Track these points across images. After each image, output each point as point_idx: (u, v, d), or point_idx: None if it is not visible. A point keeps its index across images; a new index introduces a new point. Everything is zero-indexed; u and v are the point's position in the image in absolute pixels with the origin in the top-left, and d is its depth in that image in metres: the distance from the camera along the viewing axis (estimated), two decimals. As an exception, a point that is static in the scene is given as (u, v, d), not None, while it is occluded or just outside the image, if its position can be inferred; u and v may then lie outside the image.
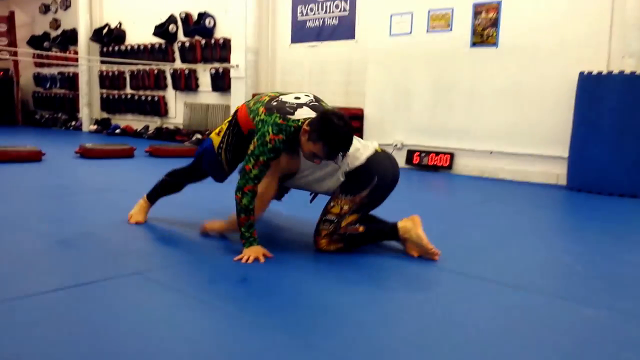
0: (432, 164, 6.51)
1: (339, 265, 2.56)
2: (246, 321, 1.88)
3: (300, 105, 2.67)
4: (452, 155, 6.41)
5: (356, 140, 2.77)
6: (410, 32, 6.71)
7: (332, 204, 2.74)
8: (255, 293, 2.15)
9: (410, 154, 6.72)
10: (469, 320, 1.95)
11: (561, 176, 5.66)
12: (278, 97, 2.78)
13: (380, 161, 2.81)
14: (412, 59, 6.69)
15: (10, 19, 13.03)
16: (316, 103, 2.74)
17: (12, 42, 12.78)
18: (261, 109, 2.69)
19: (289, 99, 2.74)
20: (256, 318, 1.89)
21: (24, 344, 1.63)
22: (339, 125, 2.47)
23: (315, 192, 2.97)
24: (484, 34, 6.17)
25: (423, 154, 6.60)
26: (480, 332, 1.85)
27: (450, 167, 6.40)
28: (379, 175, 2.75)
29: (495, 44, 6.09)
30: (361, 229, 2.74)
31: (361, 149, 2.79)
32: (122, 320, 1.84)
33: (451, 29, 6.40)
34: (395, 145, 6.83)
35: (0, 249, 2.64)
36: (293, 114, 2.61)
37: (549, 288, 2.34)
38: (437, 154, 6.49)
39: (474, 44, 6.24)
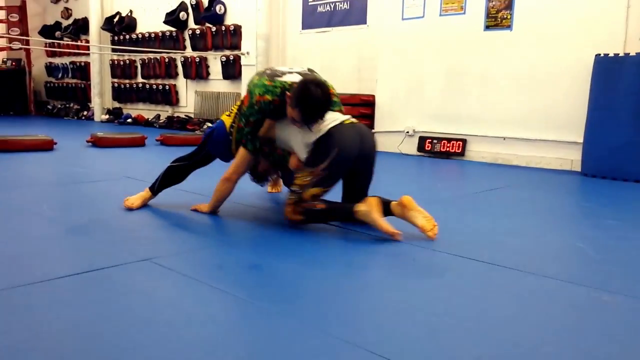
0: (444, 151, 6.44)
1: (349, 250, 2.53)
2: (256, 307, 1.86)
3: (291, 72, 2.82)
4: (464, 141, 6.33)
5: (331, 113, 2.77)
6: (423, 16, 6.62)
7: (297, 174, 2.77)
8: (264, 280, 2.13)
9: (422, 140, 6.65)
10: (481, 305, 1.92)
11: (575, 162, 5.57)
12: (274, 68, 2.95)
13: (344, 132, 2.74)
14: (425, 44, 6.60)
15: (22, 9, 13.07)
16: (308, 73, 2.88)
17: (24, 32, 12.82)
18: (255, 77, 2.88)
19: (282, 68, 2.92)
20: (266, 304, 1.88)
21: (39, 329, 1.63)
22: (314, 92, 2.56)
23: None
24: (498, 16, 6.07)
25: (435, 141, 6.54)
26: (492, 317, 1.82)
27: (462, 153, 6.33)
28: (339, 146, 2.70)
29: (509, 27, 5.99)
30: (320, 205, 2.73)
31: (327, 121, 2.75)
32: (133, 305, 1.83)
33: (464, 12, 6.30)
34: (407, 132, 6.77)
35: (13, 235, 2.65)
36: (281, 77, 2.76)
37: (563, 273, 2.30)
38: (450, 140, 6.42)
39: (487, 27, 6.14)
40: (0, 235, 2.64)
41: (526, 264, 2.39)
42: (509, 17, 5.99)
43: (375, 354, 1.53)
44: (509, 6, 5.97)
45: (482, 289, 2.10)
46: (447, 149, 6.42)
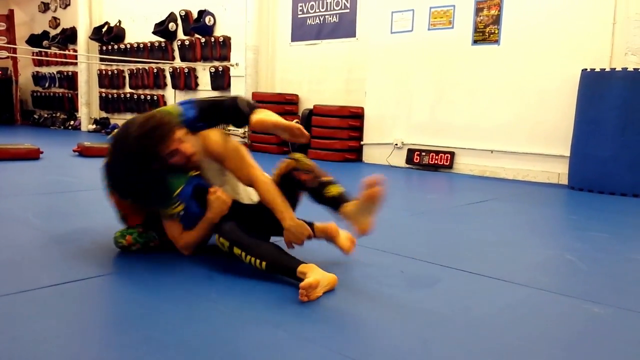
0: (432, 163, 6.47)
1: (340, 260, 2.52)
2: (247, 316, 1.83)
3: None
4: (452, 154, 6.37)
5: None
6: (412, 30, 6.67)
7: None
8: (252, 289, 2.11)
9: (411, 152, 6.67)
10: (472, 315, 1.90)
11: (562, 175, 5.62)
12: None
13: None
14: (413, 57, 6.65)
15: (9, 18, 13.00)
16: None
17: (12, 41, 12.74)
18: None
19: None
20: (265, 314, 1.85)
21: (20, 339, 1.59)
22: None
23: None
24: (486, 31, 6.13)
25: (423, 153, 6.56)
26: (483, 327, 1.81)
27: (450, 166, 6.36)
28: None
29: (497, 41, 6.05)
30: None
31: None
32: (111, 316, 1.80)
33: (453, 27, 6.36)
34: (396, 145, 6.79)
35: (-5, 244, 2.60)
36: None
37: (552, 285, 2.30)
38: (438, 153, 6.45)
39: (475, 42, 6.20)
40: (-17, 244, 2.59)
41: (515, 276, 2.39)
42: (496, 31, 6.05)
43: (366, 365, 1.51)
44: (497, 21, 6.04)
45: (472, 300, 2.09)
46: (436, 162, 6.44)
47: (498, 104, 6.05)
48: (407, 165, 6.68)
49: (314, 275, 2.05)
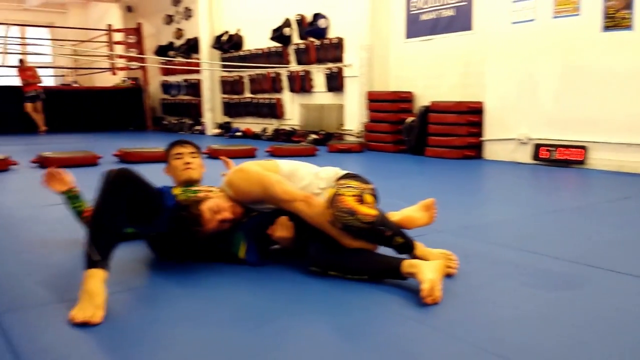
0: (562, 159, 6.10)
1: (470, 260, 2.45)
2: (390, 314, 1.84)
3: None
4: (585, 148, 5.96)
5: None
6: (534, 19, 6.34)
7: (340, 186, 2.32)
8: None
9: (538, 148, 6.34)
10: (626, 319, 1.78)
11: None
12: None
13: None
14: (537, 48, 6.31)
15: (138, 31, 14.02)
16: None
17: (141, 52, 13.75)
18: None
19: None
20: (413, 312, 1.85)
21: (159, 321, 1.71)
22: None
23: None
24: (617, 16, 5.69)
25: (552, 148, 6.21)
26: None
27: (583, 161, 5.96)
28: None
29: (629, 27, 5.60)
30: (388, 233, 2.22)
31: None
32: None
33: (579, 14, 5.97)
34: (520, 140, 6.49)
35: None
36: None
37: None
38: (568, 147, 6.07)
39: (606, 28, 5.77)
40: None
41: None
42: (628, 16, 5.60)
43: (519, 363, 1.46)
44: (629, 5, 5.58)
45: (627, 302, 1.95)
46: (566, 157, 6.06)
47: (634, 93, 5.58)
48: (534, 162, 6.36)
49: (425, 274, 1.97)
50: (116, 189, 2.01)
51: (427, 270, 1.99)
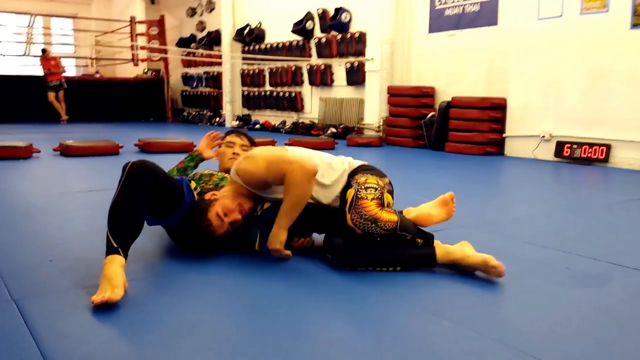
0: (585, 157, 5.99)
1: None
2: (405, 307, 1.82)
3: None
4: (608, 147, 5.85)
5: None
6: (561, 15, 6.23)
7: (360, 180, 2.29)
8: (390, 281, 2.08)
9: (560, 145, 6.24)
10: (638, 314, 1.74)
11: None
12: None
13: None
14: (563, 44, 6.20)
15: (160, 23, 14.06)
16: None
17: (163, 44, 13.80)
18: None
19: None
20: (413, 307, 1.82)
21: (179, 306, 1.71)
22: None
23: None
24: (647, 13, 5.56)
25: (575, 146, 6.10)
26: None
27: (606, 160, 5.85)
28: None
29: (660, 24, 5.48)
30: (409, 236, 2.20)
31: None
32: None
33: (608, 10, 5.85)
34: (543, 137, 6.39)
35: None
36: None
37: None
38: (591, 145, 5.96)
39: (634, 26, 5.65)
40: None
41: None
42: (659, 14, 5.48)
43: (543, 362, 1.43)
44: (659, 2, 5.46)
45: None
46: (589, 155, 5.96)
47: (663, 92, 5.46)
48: (556, 159, 6.26)
49: (474, 254, 2.11)
50: (136, 180, 2.02)
51: (470, 251, 2.13)
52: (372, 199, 2.13)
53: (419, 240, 2.18)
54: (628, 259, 2.38)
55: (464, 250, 2.15)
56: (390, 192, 2.30)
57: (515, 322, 1.72)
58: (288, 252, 2.21)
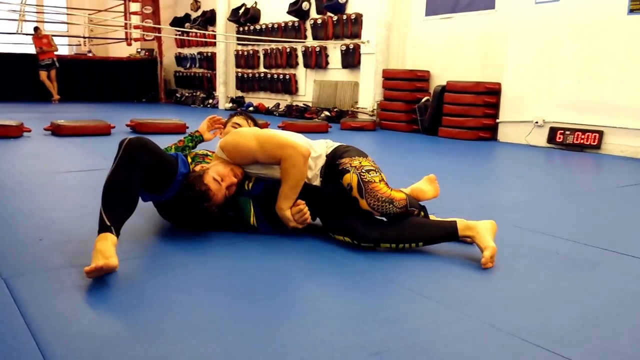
0: (578, 143, 6.01)
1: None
2: (397, 288, 1.82)
3: None
4: (601, 133, 5.87)
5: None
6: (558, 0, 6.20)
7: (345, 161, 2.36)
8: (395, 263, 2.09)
9: (553, 131, 6.25)
10: (632, 299, 1.76)
11: None
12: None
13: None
14: (560, 29, 6.18)
15: (155, 1, 13.85)
16: None
17: (157, 24, 13.61)
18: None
19: None
20: (409, 287, 1.83)
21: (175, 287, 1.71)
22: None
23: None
24: (644, -1, 5.55)
25: (568, 132, 6.11)
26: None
27: (598, 146, 5.87)
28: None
29: (658, 10, 5.46)
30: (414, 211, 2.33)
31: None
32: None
33: (605, -5, 5.82)
34: (536, 122, 6.39)
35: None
36: None
37: None
38: (584, 132, 5.98)
39: (631, 11, 5.63)
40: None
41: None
42: (657, 0, 5.46)
43: (529, 343, 1.44)
44: (657, -13, 5.43)
45: (638, 285, 1.92)
46: (581, 141, 5.98)
47: (657, 79, 5.46)
48: (549, 145, 6.27)
49: (486, 240, 2.08)
50: (132, 158, 2.01)
51: (486, 234, 2.10)
52: (380, 180, 2.21)
53: (422, 214, 2.29)
54: (617, 244, 2.40)
55: (482, 232, 2.12)
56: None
57: (505, 305, 1.73)
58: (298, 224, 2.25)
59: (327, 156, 2.37)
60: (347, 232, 2.21)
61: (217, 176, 2.22)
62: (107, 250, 1.81)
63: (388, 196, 2.15)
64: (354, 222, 2.20)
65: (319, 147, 2.40)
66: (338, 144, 2.44)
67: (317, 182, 2.36)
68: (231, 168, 2.28)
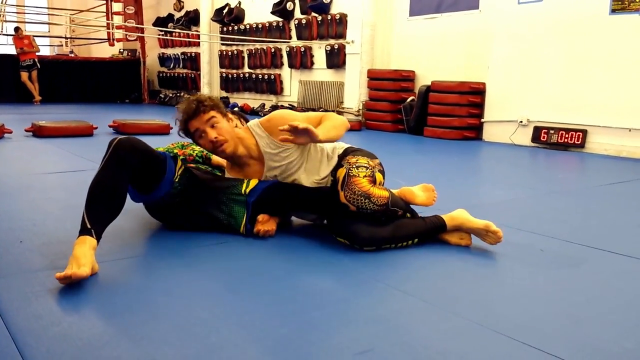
0: (562, 142, 6.06)
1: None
2: (386, 289, 1.81)
3: None
4: (584, 132, 5.92)
5: None
6: (541, 0, 6.25)
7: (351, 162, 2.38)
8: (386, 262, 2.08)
9: (537, 130, 6.29)
10: (625, 299, 1.76)
11: None
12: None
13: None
14: (543, 29, 6.23)
15: (137, 2, 13.73)
16: None
17: (139, 24, 13.50)
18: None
19: None
20: (393, 285, 1.82)
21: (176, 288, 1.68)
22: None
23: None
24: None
25: (552, 131, 6.16)
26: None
27: (582, 145, 5.92)
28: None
29: (638, 10, 5.52)
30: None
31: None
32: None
33: (587, -5, 5.88)
34: (521, 122, 6.44)
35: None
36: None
37: None
38: (568, 131, 6.03)
39: (613, 11, 5.69)
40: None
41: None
42: (637, 0, 5.52)
43: (516, 340, 1.44)
44: (638, -12, 5.50)
45: (625, 282, 1.93)
46: (565, 140, 6.03)
47: (638, 78, 5.52)
48: (533, 144, 6.32)
49: (474, 221, 2.22)
50: (120, 159, 1.98)
51: (470, 216, 2.25)
52: (364, 176, 2.19)
53: (408, 215, 2.28)
54: (601, 241, 2.42)
55: (465, 215, 2.28)
56: (382, 172, 2.35)
57: (491, 303, 1.73)
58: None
59: (338, 157, 2.40)
60: (348, 236, 2.17)
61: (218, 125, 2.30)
62: (82, 256, 1.76)
63: (365, 191, 2.11)
64: (357, 227, 2.15)
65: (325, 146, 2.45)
66: (347, 145, 2.48)
67: (328, 182, 2.35)
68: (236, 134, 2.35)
